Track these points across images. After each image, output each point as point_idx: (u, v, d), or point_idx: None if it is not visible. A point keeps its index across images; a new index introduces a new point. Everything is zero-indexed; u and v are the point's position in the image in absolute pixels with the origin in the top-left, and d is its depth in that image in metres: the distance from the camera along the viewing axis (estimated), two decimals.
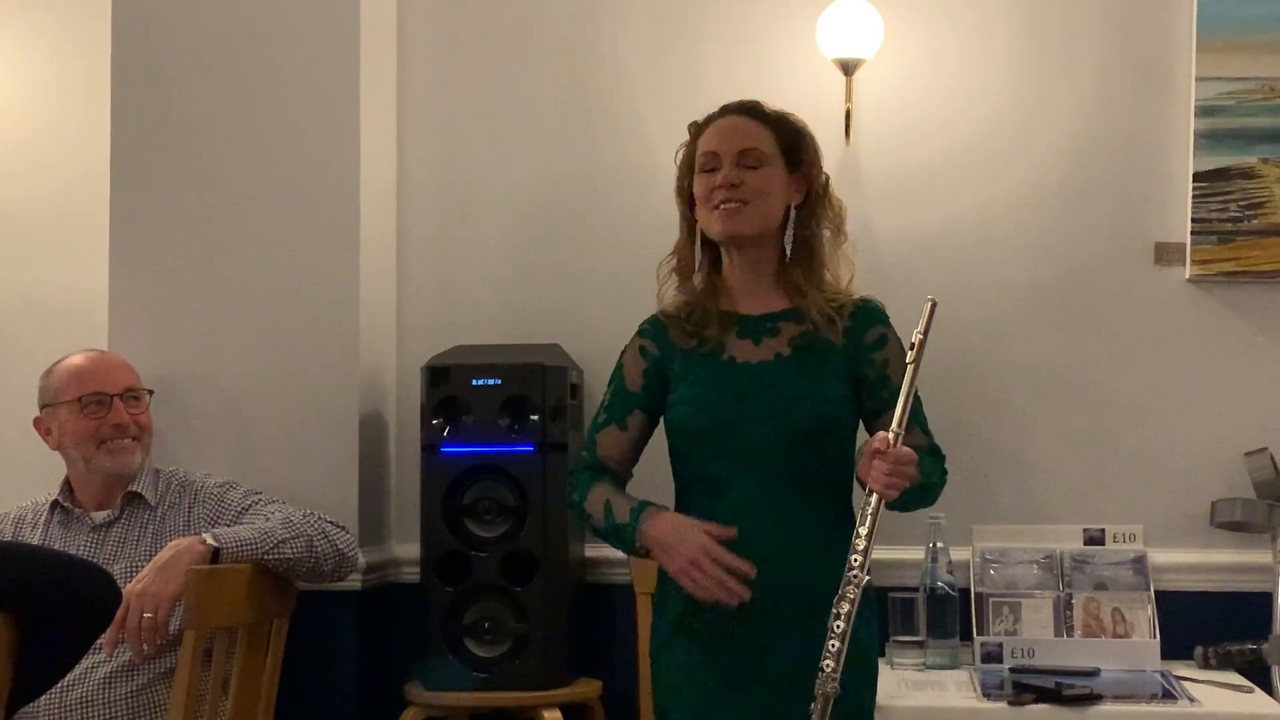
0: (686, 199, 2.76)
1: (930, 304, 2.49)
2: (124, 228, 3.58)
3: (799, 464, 2.62)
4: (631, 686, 3.35)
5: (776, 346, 2.68)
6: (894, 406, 2.61)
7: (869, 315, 2.71)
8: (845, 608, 2.43)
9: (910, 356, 2.48)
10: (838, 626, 2.42)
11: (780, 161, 2.70)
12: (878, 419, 2.66)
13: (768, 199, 2.68)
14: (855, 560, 2.44)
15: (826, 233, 2.74)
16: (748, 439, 2.62)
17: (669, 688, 2.68)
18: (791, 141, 2.72)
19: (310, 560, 3.09)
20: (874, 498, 2.46)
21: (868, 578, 2.44)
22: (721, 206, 2.66)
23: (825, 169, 2.77)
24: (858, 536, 2.45)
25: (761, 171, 2.67)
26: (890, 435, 2.46)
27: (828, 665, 2.41)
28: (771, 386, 2.64)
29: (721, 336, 2.69)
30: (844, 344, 2.67)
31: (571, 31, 3.73)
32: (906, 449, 2.48)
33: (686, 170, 2.77)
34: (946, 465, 2.73)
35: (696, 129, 2.77)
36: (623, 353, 2.80)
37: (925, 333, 2.48)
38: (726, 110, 2.75)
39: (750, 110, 2.74)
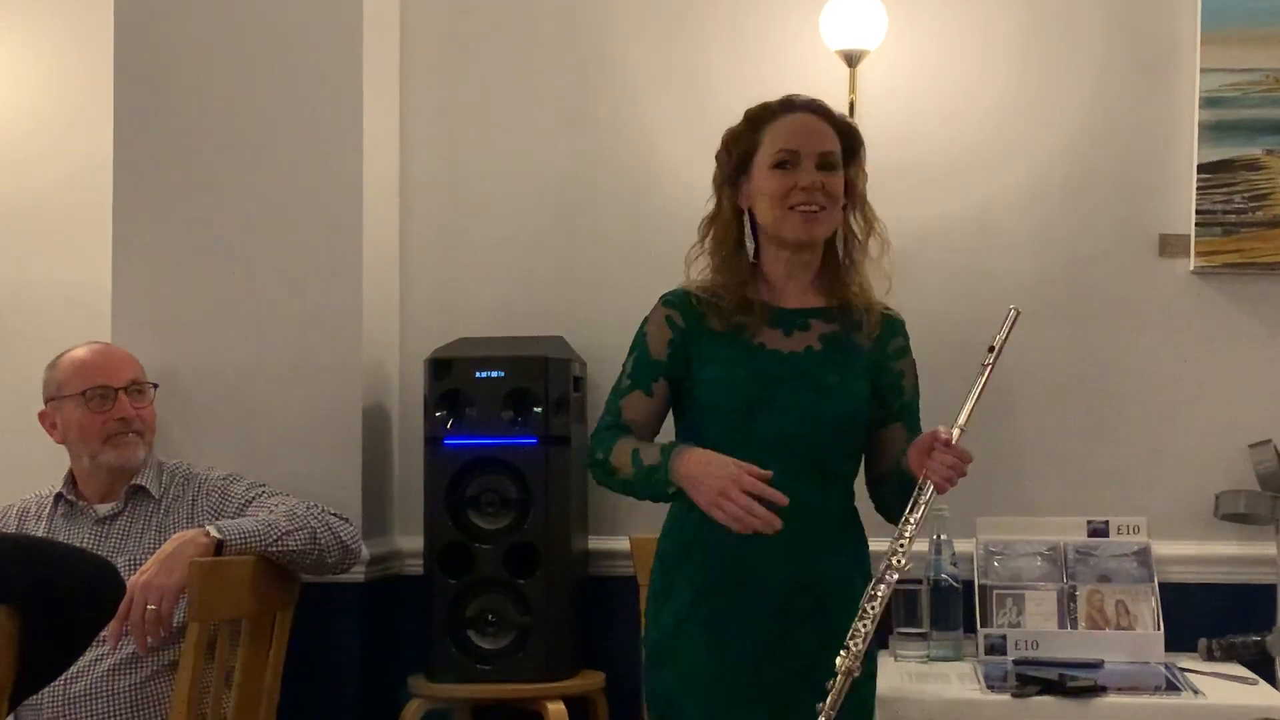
0: (735, 185, 2.71)
1: (1014, 313, 2.51)
2: (127, 221, 3.58)
3: (821, 456, 2.61)
4: (635, 678, 3.33)
5: (807, 340, 2.67)
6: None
7: (890, 325, 2.72)
8: (882, 590, 2.44)
9: (988, 359, 2.50)
10: (870, 608, 2.43)
11: (841, 163, 2.69)
12: (882, 428, 2.68)
13: (839, 204, 2.68)
14: (901, 545, 2.45)
15: (858, 229, 2.73)
16: (775, 425, 2.61)
17: (678, 677, 2.65)
18: (853, 146, 2.71)
19: (314, 552, 3.09)
20: (929, 488, 2.47)
21: (910, 565, 2.45)
22: (802, 209, 2.64)
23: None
24: (906, 523, 2.47)
25: (836, 176, 2.67)
26: (956, 430, 2.48)
27: (854, 644, 2.42)
28: (805, 376, 2.64)
29: (752, 322, 2.67)
30: (870, 348, 2.68)
31: (573, 25, 3.73)
32: (968, 451, 2.49)
33: (741, 158, 2.70)
34: None
35: (757, 120, 2.71)
36: (645, 321, 2.73)
37: (1005, 339, 2.51)
38: (795, 106, 2.71)
39: (822, 111, 2.71)
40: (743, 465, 2.45)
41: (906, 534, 2.46)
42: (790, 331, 2.67)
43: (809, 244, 2.68)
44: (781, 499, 2.43)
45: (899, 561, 2.44)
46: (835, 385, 2.63)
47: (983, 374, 2.50)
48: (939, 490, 2.48)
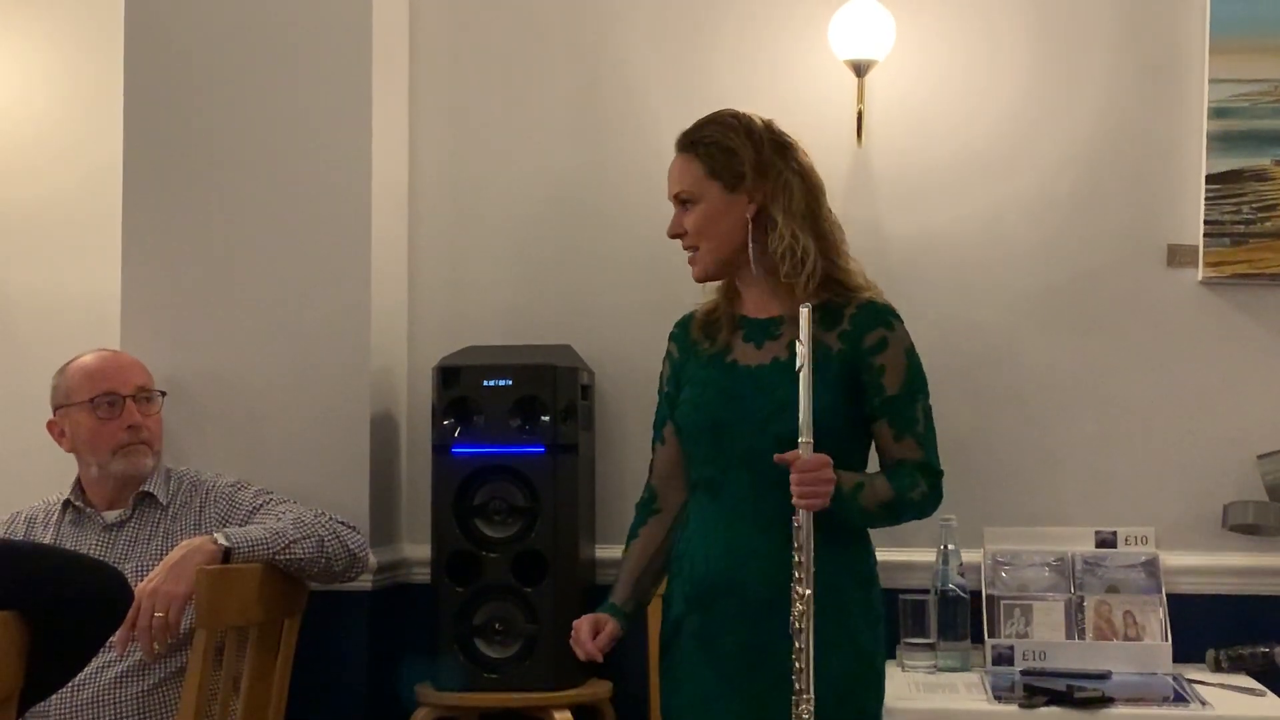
0: None
1: (807, 309, 2.46)
2: (136, 228, 3.59)
3: (789, 468, 2.58)
4: (642, 687, 3.35)
5: (775, 350, 2.67)
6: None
7: (871, 318, 2.65)
8: (798, 625, 2.42)
9: (799, 364, 2.45)
10: (798, 644, 2.42)
11: (716, 186, 2.67)
12: (874, 423, 2.66)
13: (710, 234, 2.67)
14: (797, 574, 2.43)
15: (795, 225, 2.64)
16: (740, 442, 2.62)
17: (671, 685, 2.71)
18: (715, 165, 2.67)
19: (321, 560, 3.09)
20: (801, 511, 2.45)
21: (809, 592, 2.42)
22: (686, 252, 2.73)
23: (806, 158, 2.71)
24: (795, 550, 2.44)
25: (696, 211, 2.68)
26: (801, 446, 2.45)
27: (797, 684, 2.41)
28: (764, 391, 2.63)
29: (729, 339, 2.71)
30: (841, 348, 2.63)
31: (583, 32, 3.74)
32: (818, 456, 2.46)
33: None
34: (945, 478, 2.70)
35: None
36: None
37: (806, 341, 2.45)
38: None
39: (682, 144, 2.72)
40: (585, 620, 2.71)
41: (796, 561, 2.43)
42: (761, 342, 2.69)
43: (703, 281, 2.74)
44: (595, 655, 2.66)
45: (800, 593, 2.42)
46: (791, 399, 2.55)
47: (801, 379, 2.44)
48: (806, 509, 2.45)
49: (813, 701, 2.41)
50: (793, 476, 2.46)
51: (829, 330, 2.64)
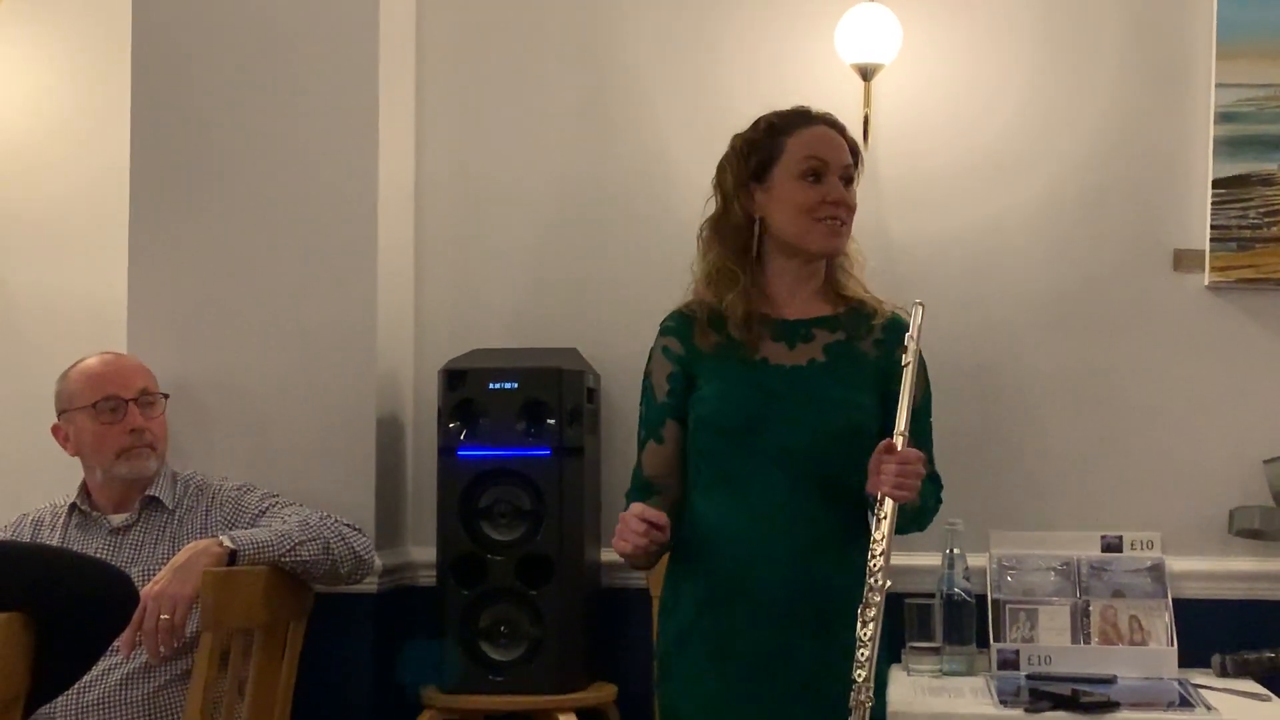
0: (749, 192, 2.70)
1: (918, 307, 2.51)
2: (143, 231, 3.59)
3: (825, 467, 2.60)
4: (647, 690, 3.33)
5: (811, 352, 2.67)
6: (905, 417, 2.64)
7: (899, 330, 2.66)
8: (871, 613, 2.41)
9: (905, 359, 2.48)
10: (865, 635, 2.41)
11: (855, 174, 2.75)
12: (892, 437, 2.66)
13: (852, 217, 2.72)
14: (876, 565, 2.42)
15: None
16: (776, 439, 2.61)
17: (682, 690, 2.67)
18: (857, 163, 2.75)
19: (327, 563, 3.09)
20: (888, 502, 2.45)
21: (889, 583, 2.42)
22: (828, 222, 2.67)
23: None
24: (875, 543, 2.43)
25: (852, 189, 2.72)
26: (896, 438, 2.46)
27: (859, 675, 2.39)
28: (804, 389, 2.63)
29: (756, 339, 2.67)
30: (876, 356, 2.66)
31: (590, 35, 3.74)
32: (915, 450, 2.48)
33: (758, 166, 2.70)
34: (951, 482, 2.74)
35: (778, 128, 2.72)
36: (649, 359, 2.76)
37: (917, 337, 2.50)
38: (814, 118, 2.74)
39: (838, 125, 2.75)
40: (635, 508, 2.54)
41: (877, 553, 2.43)
42: (794, 344, 2.68)
43: (833, 255, 2.71)
44: (659, 518, 2.48)
45: (880, 583, 2.41)
46: (839, 398, 2.62)
47: (907, 375, 2.48)
48: (896, 500, 2.45)
49: (872, 697, 2.39)
50: (891, 466, 2.44)
51: (864, 338, 2.68)
